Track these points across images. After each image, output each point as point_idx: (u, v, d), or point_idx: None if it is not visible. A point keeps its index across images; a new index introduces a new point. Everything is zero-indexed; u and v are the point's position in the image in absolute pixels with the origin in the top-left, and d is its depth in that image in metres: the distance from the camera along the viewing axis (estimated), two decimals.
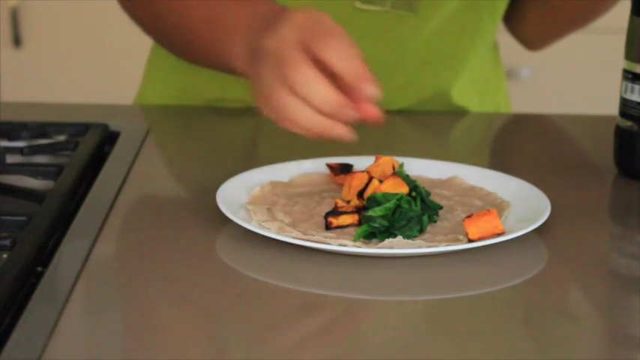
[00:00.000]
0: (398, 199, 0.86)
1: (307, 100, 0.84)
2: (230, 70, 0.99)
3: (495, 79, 1.32)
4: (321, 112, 0.84)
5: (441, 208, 0.90)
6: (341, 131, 0.85)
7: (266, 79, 0.86)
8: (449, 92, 1.24)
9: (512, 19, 1.28)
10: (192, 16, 1.05)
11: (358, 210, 0.87)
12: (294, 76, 0.84)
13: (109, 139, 1.09)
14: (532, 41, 1.32)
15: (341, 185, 0.94)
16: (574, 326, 0.76)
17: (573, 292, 0.81)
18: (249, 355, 0.70)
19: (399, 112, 1.23)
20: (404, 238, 0.84)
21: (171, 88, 1.26)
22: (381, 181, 0.88)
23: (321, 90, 0.83)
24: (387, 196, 0.86)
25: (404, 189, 0.87)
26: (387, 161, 0.92)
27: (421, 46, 1.19)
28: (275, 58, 0.85)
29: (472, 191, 0.95)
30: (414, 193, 0.88)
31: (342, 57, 0.84)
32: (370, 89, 0.84)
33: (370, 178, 0.89)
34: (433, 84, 1.23)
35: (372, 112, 0.85)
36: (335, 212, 0.87)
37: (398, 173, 0.90)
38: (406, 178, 0.89)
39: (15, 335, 0.70)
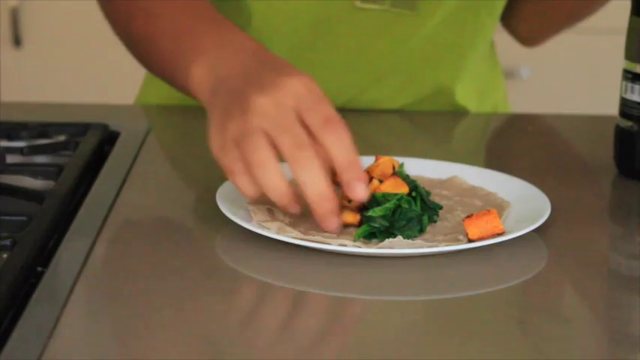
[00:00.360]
0: (398, 200, 0.86)
1: (299, 182, 0.82)
2: (183, 88, 0.96)
3: (493, 77, 1.32)
4: (306, 199, 0.83)
5: (441, 208, 0.90)
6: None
7: (252, 131, 0.83)
8: (450, 90, 1.24)
9: (508, 15, 1.28)
10: (159, 23, 1.02)
11: (359, 210, 0.87)
12: (294, 153, 0.82)
13: (109, 139, 1.09)
14: (528, 37, 1.32)
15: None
16: (574, 326, 0.76)
17: (573, 292, 0.81)
18: (249, 355, 0.70)
19: (399, 112, 1.23)
20: (404, 238, 0.84)
21: (172, 89, 1.26)
22: (380, 181, 0.88)
23: (318, 182, 0.82)
24: (387, 197, 0.86)
25: (404, 189, 0.87)
26: (387, 161, 0.92)
27: (421, 44, 1.19)
28: (270, 120, 0.82)
29: (472, 191, 0.95)
30: (414, 193, 0.88)
31: (342, 151, 0.82)
32: (360, 192, 0.83)
33: (370, 178, 0.89)
34: (434, 82, 1.23)
35: (359, 196, 0.84)
36: None
37: (398, 173, 0.90)
38: (406, 178, 0.89)
39: (15, 335, 0.70)
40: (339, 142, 0.83)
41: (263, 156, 0.82)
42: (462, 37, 1.21)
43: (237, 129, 0.84)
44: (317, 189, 0.82)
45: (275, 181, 0.82)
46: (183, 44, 0.96)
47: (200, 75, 0.92)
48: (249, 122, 0.83)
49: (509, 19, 1.29)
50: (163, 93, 1.27)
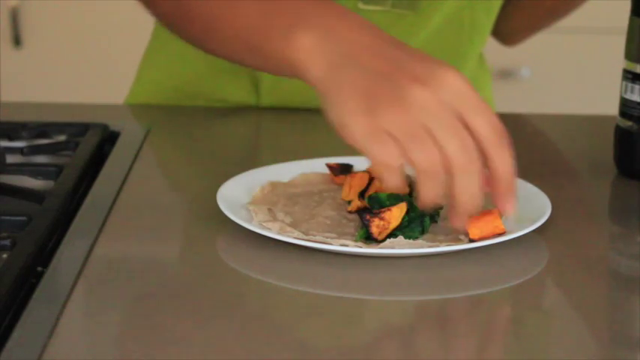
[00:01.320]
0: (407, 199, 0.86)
1: (454, 186, 0.80)
2: (274, 58, 0.85)
3: (483, 74, 1.32)
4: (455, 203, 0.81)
5: (441, 208, 0.89)
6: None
7: (417, 131, 0.78)
8: None
9: None
10: None
11: (358, 210, 0.87)
12: (460, 159, 0.78)
13: (109, 139, 1.09)
14: (508, 35, 1.32)
15: (341, 185, 0.94)
16: (574, 326, 0.76)
17: (573, 292, 0.81)
18: (249, 355, 0.70)
19: None
20: (405, 238, 0.84)
21: (162, 89, 1.26)
22: None
23: (476, 195, 0.80)
24: (391, 198, 0.86)
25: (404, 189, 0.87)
26: None
27: (421, 44, 1.20)
28: (434, 117, 0.78)
29: None
30: (414, 194, 0.88)
31: (506, 164, 0.80)
32: (511, 206, 0.82)
33: (371, 178, 0.89)
34: None
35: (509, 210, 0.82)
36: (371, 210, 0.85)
37: None
38: (406, 178, 0.89)
39: (15, 335, 0.70)
40: (504, 155, 0.80)
41: (434, 165, 0.79)
42: (460, 36, 1.21)
43: (394, 121, 0.78)
44: (472, 201, 0.80)
45: (434, 193, 0.80)
46: (281, 7, 0.86)
47: (310, 45, 0.83)
48: (411, 117, 0.78)
49: None
50: (154, 92, 1.26)
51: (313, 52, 0.83)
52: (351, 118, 0.80)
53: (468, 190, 0.80)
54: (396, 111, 0.78)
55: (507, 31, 1.31)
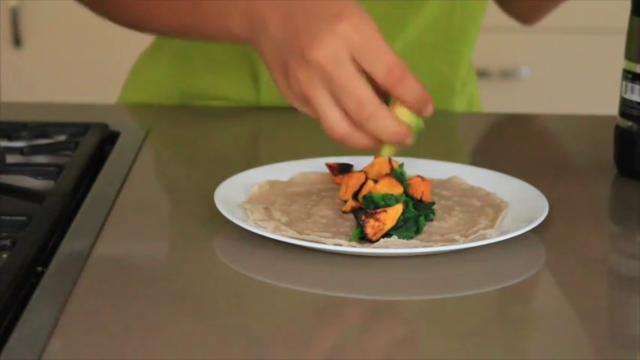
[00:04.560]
0: (404, 201, 0.86)
1: (371, 132, 0.85)
2: (221, 33, 0.95)
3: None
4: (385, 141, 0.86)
5: (433, 204, 0.89)
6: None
7: (314, 94, 0.85)
8: (450, 81, 1.24)
9: None
10: None
11: (354, 210, 0.87)
12: (359, 115, 0.84)
13: (109, 139, 1.09)
14: (523, 16, 1.32)
15: (340, 185, 0.94)
16: (573, 326, 0.76)
17: (572, 292, 0.81)
18: (248, 355, 0.70)
19: None
20: (400, 238, 0.84)
21: (162, 87, 1.26)
22: (375, 181, 0.88)
23: (390, 125, 0.85)
24: (386, 198, 0.86)
25: (398, 189, 0.87)
26: (383, 161, 0.92)
27: (417, 33, 1.20)
28: (330, 78, 0.84)
29: (471, 191, 0.95)
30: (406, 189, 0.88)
31: (413, 95, 0.85)
32: (430, 109, 0.87)
33: (366, 179, 0.89)
34: (431, 71, 1.23)
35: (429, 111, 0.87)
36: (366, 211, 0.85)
37: (397, 173, 0.90)
38: (399, 177, 0.89)
39: (15, 335, 0.70)
40: (407, 89, 0.85)
41: (330, 121, 0.85)
42: (452, 24, 1.22)
43: (299, 86, 0.86)
44: (392, 130, 0.85)
45: (338, 137, 0.86)
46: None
47: (239, 25, 0.92)
48: (309, 82, 0.85)
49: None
50: (153, 91, 1.26)
51: (244, 31, 0.92)
52: (278, 83, 0.89)
53: (382, 130, 0.85)
54: (297, 76, 0.85)
55: (520, 12, 1.31)
